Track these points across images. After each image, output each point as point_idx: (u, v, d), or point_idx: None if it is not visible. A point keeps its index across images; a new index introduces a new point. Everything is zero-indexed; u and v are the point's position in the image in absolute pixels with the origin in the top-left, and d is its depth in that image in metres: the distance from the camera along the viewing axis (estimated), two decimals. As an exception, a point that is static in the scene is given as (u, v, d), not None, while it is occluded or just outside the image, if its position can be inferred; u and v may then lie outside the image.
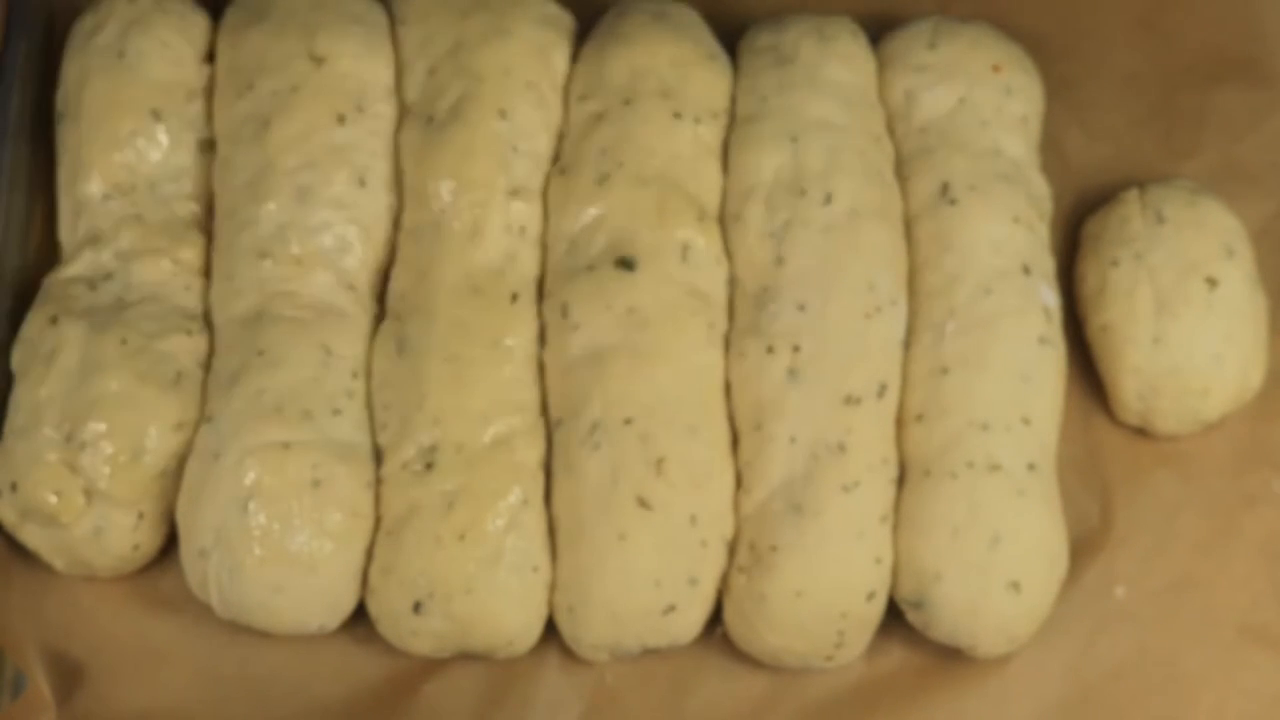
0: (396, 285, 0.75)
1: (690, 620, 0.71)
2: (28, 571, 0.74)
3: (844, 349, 0.71)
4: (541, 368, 0.74)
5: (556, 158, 0.76)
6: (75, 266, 0.76)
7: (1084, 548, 0.73)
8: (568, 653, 0.73)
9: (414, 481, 0.71)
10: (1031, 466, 0.71)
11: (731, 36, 0.79)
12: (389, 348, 0.73)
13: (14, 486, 0.72)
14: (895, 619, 0.72)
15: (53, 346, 0.74)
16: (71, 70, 0.78)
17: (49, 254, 0.78)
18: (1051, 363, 0.73)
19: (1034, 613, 0.71)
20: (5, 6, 0.80)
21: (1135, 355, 0.74)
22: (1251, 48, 0.81)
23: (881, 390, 0.72)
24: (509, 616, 0.71)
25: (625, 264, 0.73)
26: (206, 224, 0.77)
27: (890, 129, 0.77)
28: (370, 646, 0.73)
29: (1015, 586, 0.70)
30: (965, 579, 0.70)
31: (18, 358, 0.75)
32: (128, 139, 0.76)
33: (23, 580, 0.74)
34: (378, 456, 0.73)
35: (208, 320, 0.76)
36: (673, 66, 0.76)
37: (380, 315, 0.75)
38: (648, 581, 0.70)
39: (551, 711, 0.72)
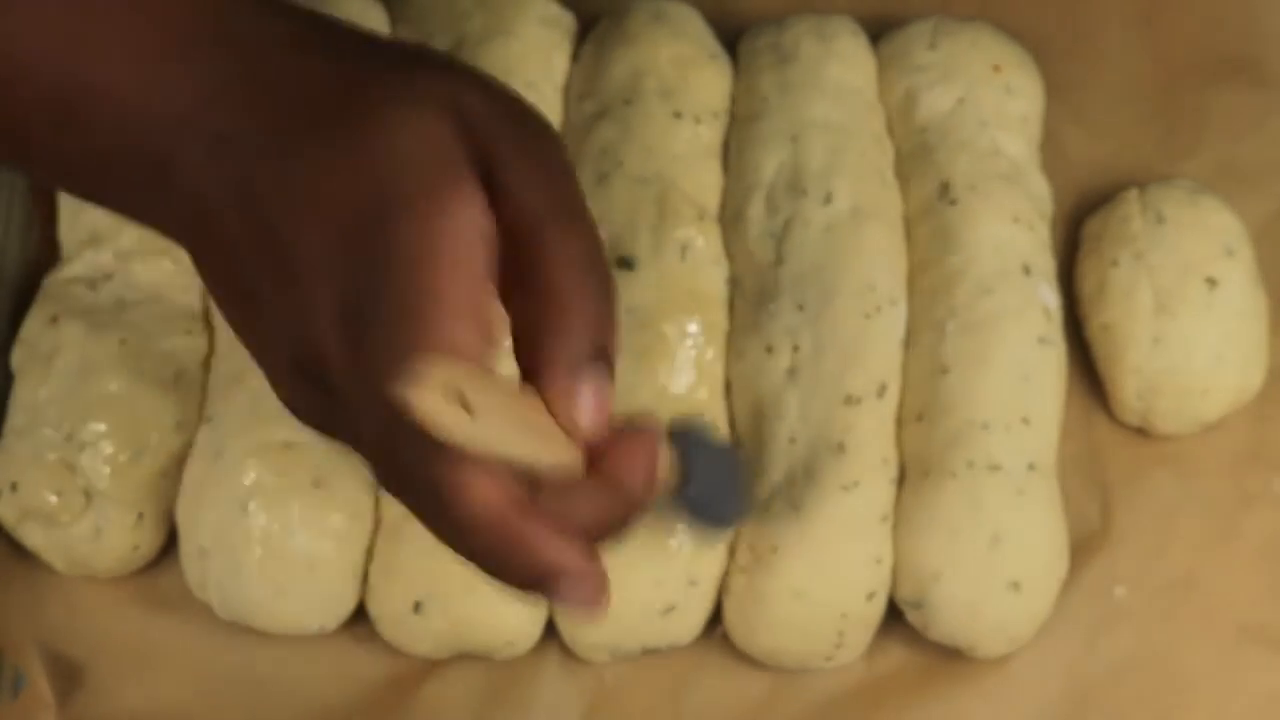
0: (396, 285, 0.75)
1: (690, 620, 0.71)
2: (28, 571, 0.74)
3: (844, 349, 0.71)
4: (541, 368, 0.73)
5: (557, 158, 0.76)
6: (75, 266, 0.76)
7: (1084, 548, 0.73)
8: (568, 653, 0.73)
9: (414, 481, 0.71)
10: (1031, 466, 0.71)
11: (731, 36, 0.79)
12: (389, 348, 0.73)
13: (14, 486, 0.72)
14: (895, 619, 0.72)
15: (53, 346, 0.74)
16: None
17: (49, 254, 0.78)
18: (1051, 363, 0.73)
19: (1034, 613, 0.71)
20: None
21: (1135, 355, 0.74)
22: (1251, 48, 0.81)
23: (881, 390, 0.72)
24: (509, 616, 0.71)
25: (624, 263, 0.73)
26: (207, 224, 0.77)
27: (890, 129, 0.77)
28: (370, 646, 0.73)
29: (1015, 586, 0.70)
30: (965, 579, 0.70)
31: (18, 358, 0.75)
32: (128, 139, 0.76)
33: (23, 580, 0.74)
34: (378, 456, 0.73)
35: (208, 320, 0.76)
36: (673, 66, 0.76)
37: (380, 315, 0.75)
38: (647, 581, 0.70)
39: (551, 711, 0.72)
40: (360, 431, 0.49)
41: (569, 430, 0.49)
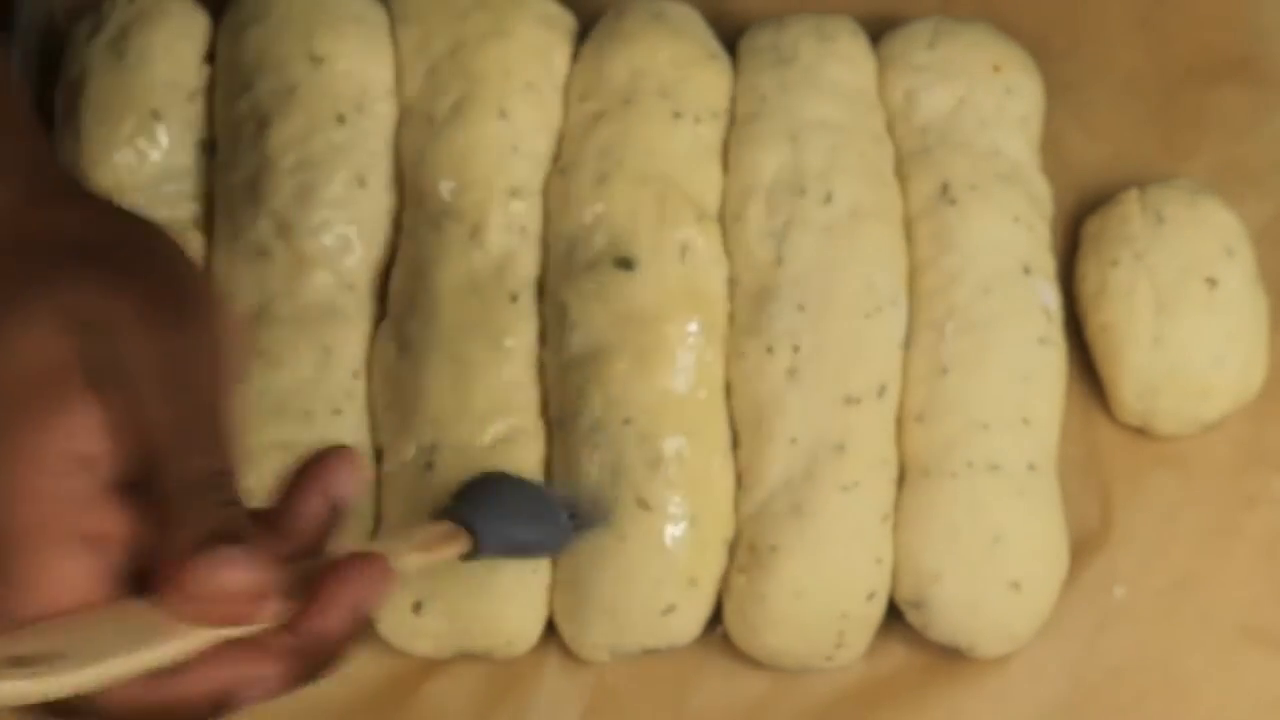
0: (396, 285, 0.75)
1: (690, 620, 0.71)
2: (27, 571, 0.74)
3: (844, 349, 0.71)
4: (542, 367, 0.74)
5: (557, 158, 0.76)
6: (74, 266, 0.76)
7: (1084, 548, 0.73)
8: (568, 653, 0.73)
9: (414, 481, 0.71)
10: (1031, 466, 0.71)
11: (731, 36, 0.79)
12: (389, 348, 0.73)
13: (14, 486, 0.72)
14: (895, 619, 0.72)
15: (52, 346, 0.73)
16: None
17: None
18: (1052, 363, 0.73)
19: (1034, 613, 0.71)
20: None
21: (1135, 355, 0.74)
22: (1251, 48, 0.81)
23: (881, 390, 0.72)
24: (509, 616, 0.71)
25: (624, 264, 0.73)
26: (206, 224, 0.77)
27: (890, 129, 0.77)
28: (370, 646, 0.73)
29: (1015, 586, 0.70)
30: (965, 579, 0.70)
31: (16, 358, 0.74)
32: (128, 139, 0.76)
33: (22, 580, 0.74)
34: (377, 456, 0.73)
35: (207, 320, 0.76)
36: (673, 66, 0.76)
37: (380, 315, 0.75)
38: (647, 581, 0.70)
39: (551, 711, 0.72)
40: None
41: (198, 617, 0.46)
